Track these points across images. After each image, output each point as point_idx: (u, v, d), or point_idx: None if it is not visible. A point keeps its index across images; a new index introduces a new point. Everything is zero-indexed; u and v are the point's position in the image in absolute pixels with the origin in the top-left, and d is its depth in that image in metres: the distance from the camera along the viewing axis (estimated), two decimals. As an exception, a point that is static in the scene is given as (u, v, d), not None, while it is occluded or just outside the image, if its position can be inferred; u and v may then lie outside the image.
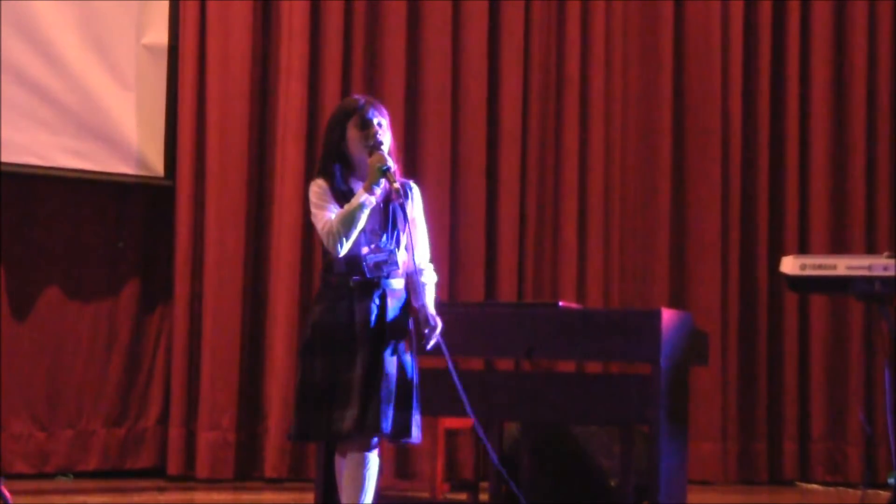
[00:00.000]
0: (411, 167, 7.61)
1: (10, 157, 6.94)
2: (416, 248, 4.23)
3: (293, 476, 7.23)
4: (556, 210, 7.78)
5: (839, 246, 7.72)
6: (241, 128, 7.37)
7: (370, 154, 4.16)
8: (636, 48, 7.92)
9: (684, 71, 7.94)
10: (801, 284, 5.76)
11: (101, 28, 7.18)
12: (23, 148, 6.99)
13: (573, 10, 7.84)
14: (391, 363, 4.12)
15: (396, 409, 4.11)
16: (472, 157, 7.68)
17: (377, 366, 4.10)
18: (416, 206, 4.29)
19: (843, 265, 5.58)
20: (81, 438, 7.21)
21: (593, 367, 7.03)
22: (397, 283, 4.23)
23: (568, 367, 6.89)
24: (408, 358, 4.19)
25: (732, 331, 7.76)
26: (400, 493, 6.66)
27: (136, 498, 6.61)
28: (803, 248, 7.68)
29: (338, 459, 4.23)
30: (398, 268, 4.20)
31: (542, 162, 7.81)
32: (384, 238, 4.18)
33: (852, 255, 6.77)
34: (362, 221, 4.10)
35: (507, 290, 7.63)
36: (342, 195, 4.17)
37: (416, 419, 4.18)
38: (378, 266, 4.16)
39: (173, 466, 7.21)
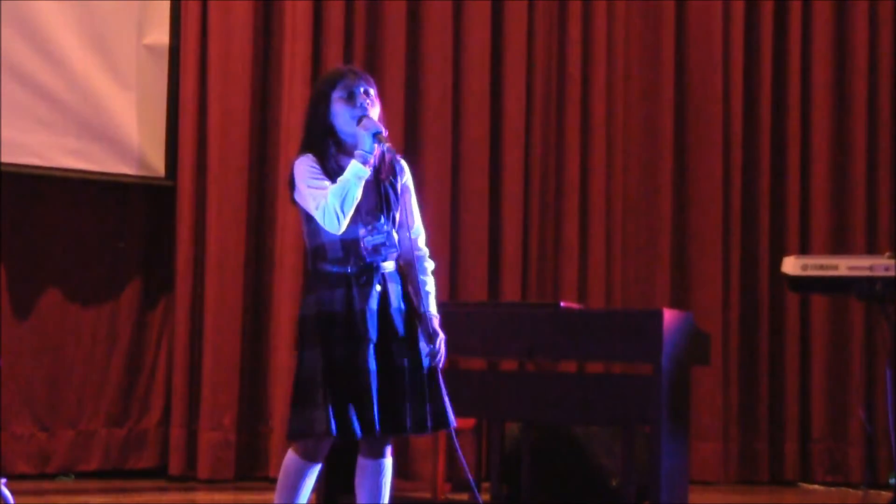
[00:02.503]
0: (413, 167, 7.59)
1: (11, 157, 6.94)
2: (412, 227, 3.98)
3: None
4: (557, 210, 7.79)
5: (840, 246, 7.72)
6: (243, 128, 7.37)
7: (359, 124, 3.90)
8: (638, 48, 7.93)
9: (686, 71, 7.94)
10: (803, 285, 5.78)
11: (102, 28, 7.18)
12: (23, 148, 6.99)
13: (575, 10, 7.84)
14: (404, 355, 3.86)
15: (420, 402, 3.85)
16: (473, 156, 7.68)
17: (389, 357, 3.86)
18: (409, 183, 4.05)
19: (844, 266, 5.60)
20: (82, 439, 7.21)
21: (595, 367, 7.03)
22: (392, 266, 3.94)
23: (569, 367, 6.90)
24: (422, 345, 3.90)
25: (733, 331, 7.76)
26: (401, 493, 6.66)
27: (137, 498, 6.61)
28: (804, 249, 7.68)
29: (291, 457, 3.93)
30: (396, 250, 3.92)
31: (544, 162, 7.81)
32: (381, 219, 3.91)
33: (853, 255, 6.77)
34: (359, 194, 3.82)
35: (509, 290, 7.63)
36: (334, 174, 3.88)
37: (447, 403, 3.90)
38: (377, 249, 3.88)
39: (175, 466, 7.21)
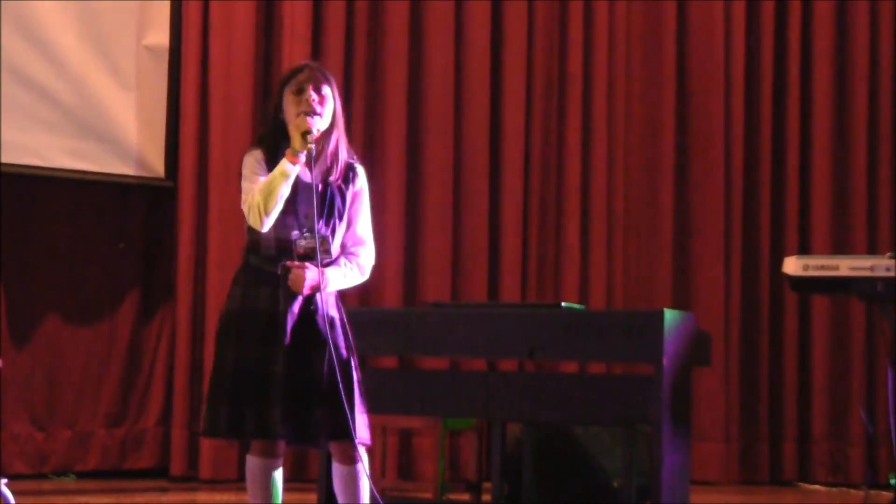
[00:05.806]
0: (414, 168, 7.62)
1: (11, 157, 6.94)
2: (358, 236, 3.94)
3: (295, 476, 7.23)
4: (558, 210, 7.78)
5: (841, 247, 7.72)
6: (244, 128, 7.36)
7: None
8: (638, 48, 7.92)
9: (686, 71, 7.94)
10: (804, 285, 5.77)
11: (102, 28, 7.18)
12: (23, 148, 6.99)
13: (576, 10, 7.84)
14: (320, 360, 3.80)
15: (330, 410, 3.77)
16: (474, 157, 7.68)
17: (304, 363, 3.80)
18: (362, 192, 3.97)
19: (845, 266, 5.59)
20: (80, 439, 7.20)
21: (596, 367, 7.03)
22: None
23: (570, 367, 6.90)
24: (343, 353, 3.85)
25: (734, 331, 7.76)
26: (402, 493, 6.66)
27: (138, 498, 6.61)
28: (805, 249, 7.67)
29: (250, 459, 3.92)
30: (330, 257, 3.88)
31: (544, 162, 7.81)
32: (319, 224, 3.83)
33: (854, 255, 6.76)
34: (285, 192, 3.76)
35: (510, 291, 7.62)
36: None
37: (361, 419, 3.83)
38: (307, 253, 3.82)
39: (176, 467, 7.22)
